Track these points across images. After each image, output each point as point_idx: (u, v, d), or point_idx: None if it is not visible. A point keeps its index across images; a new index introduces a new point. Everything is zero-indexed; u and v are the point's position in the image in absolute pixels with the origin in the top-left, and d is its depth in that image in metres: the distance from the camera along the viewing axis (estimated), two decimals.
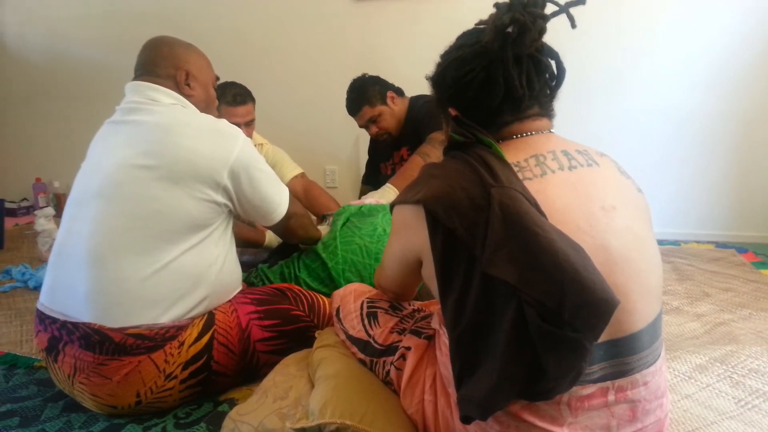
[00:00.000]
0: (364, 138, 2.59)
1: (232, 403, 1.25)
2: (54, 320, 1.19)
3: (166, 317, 1.18)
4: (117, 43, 3.29)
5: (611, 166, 0.88)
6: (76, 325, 1.16)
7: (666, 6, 2.59)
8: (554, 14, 0.85)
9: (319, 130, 3.17)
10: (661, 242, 2.66)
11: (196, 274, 1.23)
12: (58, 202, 3.48)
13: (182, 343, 1.19)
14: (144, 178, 1.17)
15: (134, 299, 1.16)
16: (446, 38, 0.97)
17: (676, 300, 1.88)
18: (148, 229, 1.17)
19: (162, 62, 1.32)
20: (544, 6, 0.83)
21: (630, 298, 0.77)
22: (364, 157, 2.77)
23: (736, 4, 2.51)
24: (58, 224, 1.28)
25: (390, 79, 2.39)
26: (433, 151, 2.02)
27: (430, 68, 0.97)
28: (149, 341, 1.16)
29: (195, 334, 1.22)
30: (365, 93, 2.31)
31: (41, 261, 2.46)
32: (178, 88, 1.32)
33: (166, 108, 1.26)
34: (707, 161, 2.70)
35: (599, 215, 0.79)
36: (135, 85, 1.30)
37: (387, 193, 1.97)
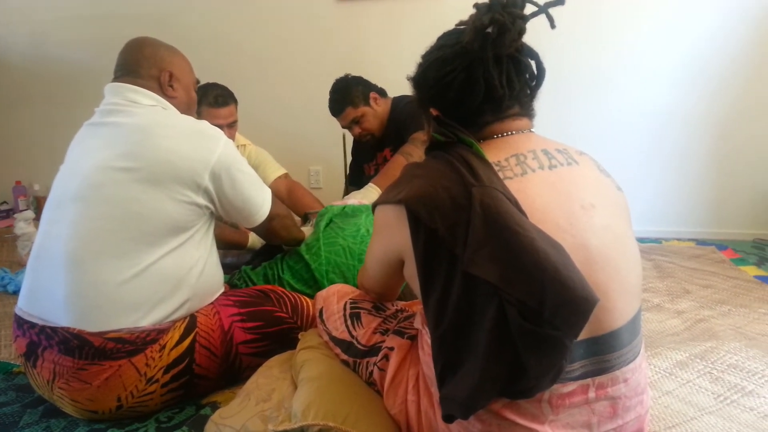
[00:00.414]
0: (349, 139, 2.59)
1: (215, 407, 1.24)
2: (32, 325, 1.17)
3: (146, 321, 1.17)
4: (99, 45, 3.24)
5: (591, 165, 0.89)
6: (54, 329, 1.14)
7: (646, 8, 2.62)
8: (533, 14, 0.85)
9: (303, 130, 3.17)
10: (642, 240, 2.70)
11: (177, 277, 1.21)
12: (38, 205, 3.43)
13: (163, 347, 1.18)
14: (123, 180, 1.16)
15: (114, 303, 1.14)
16: (429, 38, 0.97)
17: (657, 297, 1.90)
18: (127, 232, 1.15)
19: (145, 63, 1.31)
20: (523, 6, 0.83)
21: (609, 296, 0.78)
22: (348, 158, 2.77)
23: (715, 6, 2.54)
24: (38, 227, 1.26)
25: (373, 80, 2.38)
26: (415, 151, 2.02)
27: (414, 68, 0.97)
28: (130, 345, 1.14)
29: (176, 337, 1.20)
30: (348, 94, 2.30)
31: (21, 265, 2.43)
32: (160, 90, 1.31)
33: (145, 109, 1.25)
34: (688, 161, 2.73)
35: (579, 214, 0.80)
36: (115, 87, 1.29)
37: (369, 193, 1.97)
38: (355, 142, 2.61)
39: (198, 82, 1.47)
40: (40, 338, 1.16)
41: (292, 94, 3.13)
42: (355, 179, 2.62)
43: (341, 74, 2.39)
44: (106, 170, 1.17)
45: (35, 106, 3.51)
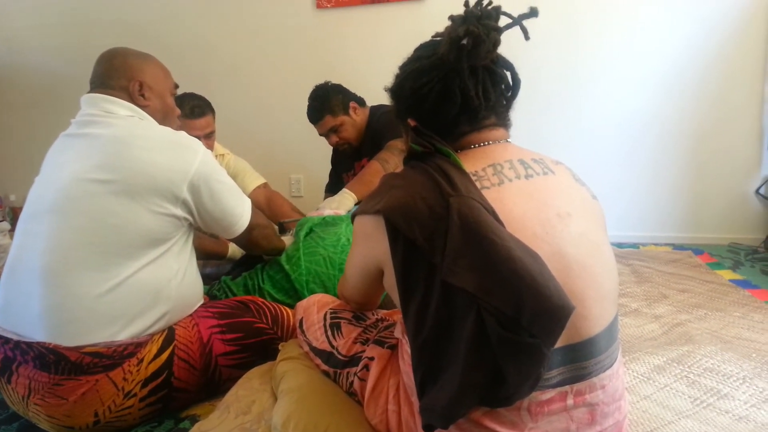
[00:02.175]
0: (329, 147, 2.59)
1: (194, 420, 1.23)
2: (7, 340, 1.15)
3: (124, 334, 1.16)
4: (78, 53, 3.22)
5: (566, 174, 0.90)
6: (30, 344, 1.12)
7: (620, 17, 2.67)
8: (508, 26, 0.86)
9: (284, 139, 3.17)
10: (620, 245, 2.73)
11: (155, 290, 1.20)
12: (14, 216, 3.38)
13: (141, 360, 1.17)
14: (99, 192, 1.14)
15: (90, 317, 1.13)
16: (407, 46, 0.98)
17: (635, 302, 1.92)
18: (104, 245, 1.14)
19: (115, 74, 1.29)
20: (497, 18, 0.84)
21: (586, 303, 0.79)
22: (329, 166, 2.77)
23: (690, 14, 2.59)
24: (13, 239, 1.25)
25: (352, 87, 2.38)
26: (391, 158, 2.02)
27: (392, 77, 0.98)
28: (107, 359, 1.13)
29: (154, 350, 1.19)
30: (328, 102, 2.28)
31: None
32: (132, 100, 1.30)
33: (122, 120, 1.24)
34: (664, 166, 2.77)
35: (555, 222, 0.81)
36: (90, 98, 1.27)
37: (345, 200, 1.95)
38: (334, 150, 2.60)
39: (177, 86, 1.46)
40: (15, 353, 1.14)
41: (273, 102, 3.13)
42: (333, 187, 2.61)
43: (321, 82, 2.39)
44: (83, 182, 1.15)
45: (11, 114, 3.47)
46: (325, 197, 2.64)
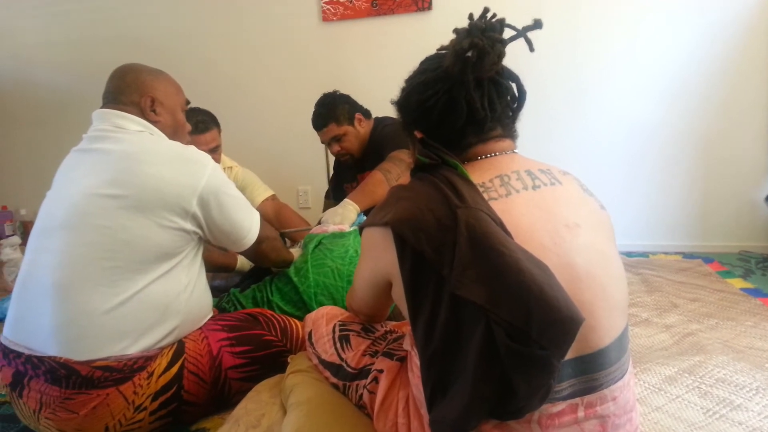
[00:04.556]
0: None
1: None
2: (18, 354, 1.16)
3: (135, 348, 1.16)
4: (86, 69, 3.26)
5: (574, 184, 0.90)
6: (41, 359, 1.13)
7: (626, 25, 2.67)
8: (513, 38, 0.87)
9: (291, 151, 3.18)
10: (629, 254, 2.72)
11: (165, 304, 1.21)
12: (25, 231, 3.41)
13: (151, 374, 1.17)
14: (111, 207, 1.15)
15: (101, 331, 1.13)
16: (413, 59, 0.99)
17: (646, 312, 1.91)
18: (115, 260, 1.15)
19: (127, 89, 1.31)
20: (502, 30, 0.85)
21: (595, 314, 0.78)
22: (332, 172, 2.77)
23: (697, 21, 2.60)
24: (24, 253, 1.26)
25: (357, 100, 2.38)
26: (393, 168, 2.01)
27: (396, 89, 0.98)
28: (117, 373, 1.13)
29: (164, 363, 1.19)
30: (334, 110, 2.28)
31: (7, 292, 2.40)
32: (143, 115, 1.31)
33: (133, 135, 1.25)
34: (672, 175, 2.76)
35: (563, 233, 0.81)
36: (102, 113, 1.29)
37: (347, 212, 1.94)
38: (336, 159, 2.61)
39: (188, 102, 1.47)
40: (26, 367, 1.14)
41: (279, 115, 3.15)
42: (335, 194, 2.61)
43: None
44: (93, 197, 1.16)
45: (21, 130, 3.51)
46: (326, 204, 2.64)
